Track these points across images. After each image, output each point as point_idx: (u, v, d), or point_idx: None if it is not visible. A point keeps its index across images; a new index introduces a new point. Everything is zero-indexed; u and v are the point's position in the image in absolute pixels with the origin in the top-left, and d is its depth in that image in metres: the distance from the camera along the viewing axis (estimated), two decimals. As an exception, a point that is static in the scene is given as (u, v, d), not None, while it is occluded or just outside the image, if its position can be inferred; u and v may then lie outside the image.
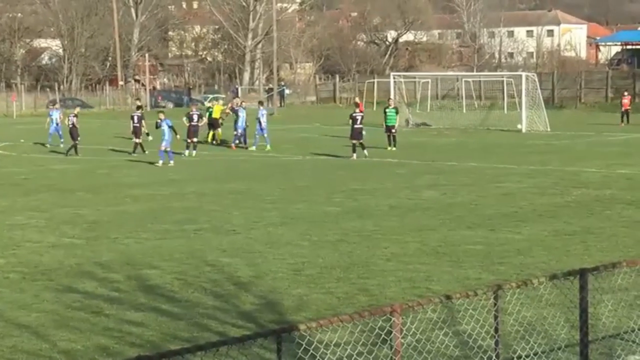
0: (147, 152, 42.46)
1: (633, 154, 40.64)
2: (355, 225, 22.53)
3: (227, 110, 49.56)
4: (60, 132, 49.09)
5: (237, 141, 46.85)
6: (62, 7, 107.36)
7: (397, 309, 8.33)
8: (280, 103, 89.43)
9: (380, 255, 18.89)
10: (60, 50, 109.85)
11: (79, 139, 44.14)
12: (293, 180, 32.33)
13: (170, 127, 38.63)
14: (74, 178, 34.59)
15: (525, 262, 18.13)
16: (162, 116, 39.72)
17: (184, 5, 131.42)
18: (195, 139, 43.11)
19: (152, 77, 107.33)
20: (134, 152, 43.31)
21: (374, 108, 75.42)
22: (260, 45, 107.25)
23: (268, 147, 45.07)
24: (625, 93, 63.54)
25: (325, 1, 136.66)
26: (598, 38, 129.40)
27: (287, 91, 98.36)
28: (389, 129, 44.75)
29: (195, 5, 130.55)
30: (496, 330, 9.55)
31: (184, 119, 43.96)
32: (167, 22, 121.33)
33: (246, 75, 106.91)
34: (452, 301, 9.65)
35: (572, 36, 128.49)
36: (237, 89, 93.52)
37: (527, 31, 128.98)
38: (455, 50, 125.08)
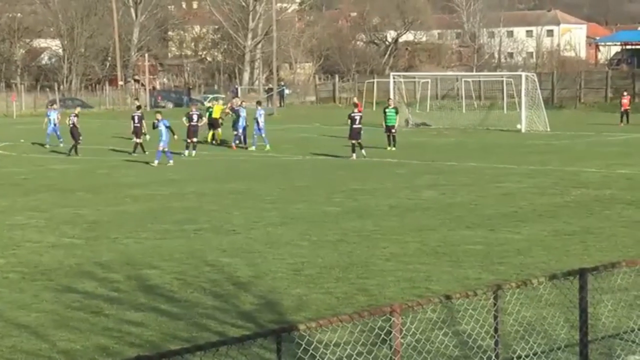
0: (147, 152, 42.44)
1: (633, 154, 40.64)
2: (354, 225, 22.53)
3: (227, 110, 49.57)
4: (59, 133, 49.07)
5: (237, 141, 46.87)
6: (61, 7, 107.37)
7: (397, 309, 8.33)
8: (280, 103, 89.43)
9: (379, 255, 18.89)
10: (60, 50, 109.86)
11: (80, 138, 44.16)
12: (293, 180, 32.34)
13: (168, 127, 38.62)
14: (73, 178, 34.59)
15: (525, 262, 18.13)
16: (159, 116, 39.72)
17: (184, 5, 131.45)
18: (195, 139, 43.12)
19: (151, 77, 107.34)
20: (134, 152, 43.34)
21: (374, 108, 75.44)
22: (259, 45, 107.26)
23: (267, 147, 45.09)
24: (625, 93, 63.56)
25: (324, 1, 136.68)
26: (598, 38, 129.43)
27: (286, 91, 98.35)
28: (388, 129, 44.76)
29: (194, 5, 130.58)
30: (496, 330, 9.55)
31: (184, 119, 43.97)
32: (166, 22, 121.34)
33: (246, 75, 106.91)
34: (451, 301, 9.65)
35: (572, 36, 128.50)
36: (236, 89, 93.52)
37: (527, 31, 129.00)
38: (454, 50, 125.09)
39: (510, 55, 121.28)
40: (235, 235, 21.56)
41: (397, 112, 45.65)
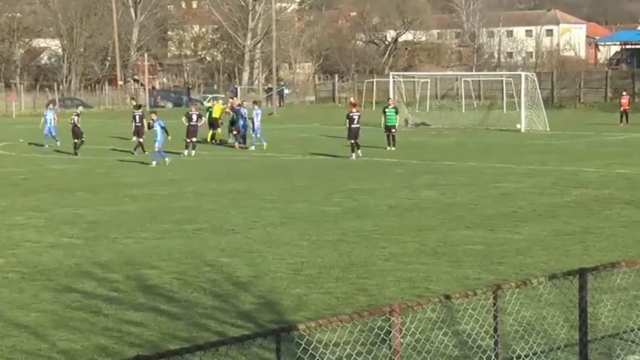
0: (147, 152, 42.42)
1: (632, 153, 40.65)
2: (354, 225, 22.53)
3: (227, 110, 49.57)
4: (54, 133, 49.03)
5: (239, 141, 46.91)
6: (61, 7, 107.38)
7: (396, 308, 8.32)
8: (280, 103, 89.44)
9: (379, 255, 18.89)
10: (60, 50, 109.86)
11: (83, 137, 44.17)
12: (292, 180, 32.33)
13: (163, 127, 38.58)
14: (73, 178, 34.58)
15: (525, 262, 18.13)
16: (154, 116, 39.76)
17: (183, 5, 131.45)
18: (194, 139, 43.11)
19: (151, 76, 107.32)
20: (135, 150, 43.41)
21: (373, 108, 75.48)
22: (259, 45, 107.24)
23: (265, 146, 45.17)
24: (624, 93, 63.58)
25: (324, 1, 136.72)
26: (597, 38, 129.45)
27: (286, 91, 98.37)
28: (388, 128, 44.75)
29: (194, 5, 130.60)
30: (495, 330, 9.55)
31: (183, 118, 43.96)
32: (166, 21, 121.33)
33: (245, 75, 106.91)
34: (451, 301, 9.65)
35: (571, 36, 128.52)
36: (236, 88, 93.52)
37: (526, 31, 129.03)
38: (454, 50, 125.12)
39: (510, 55, 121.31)
40: (234, 235, 21.56)
41: (397, 112, 45.65)
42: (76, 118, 44.74)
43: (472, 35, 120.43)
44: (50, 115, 49.92)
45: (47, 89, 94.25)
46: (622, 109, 61.02)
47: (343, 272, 17.35)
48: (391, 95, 56.66)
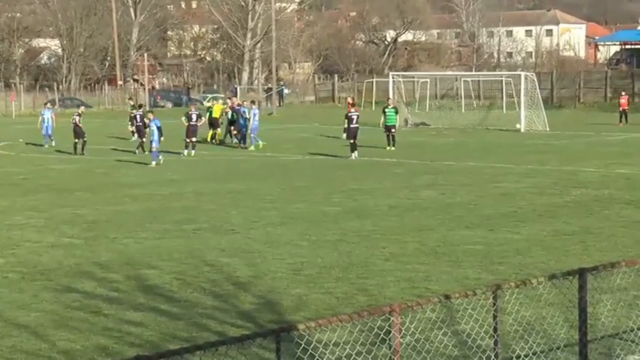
0: (147, 152, 42.43)
1: (632, 153, 40.65)
2: (354, 225, 22.53)
3: (227, 109, 49.57)
4: (50, 132, 49.02)
5: (240, 140, 46.94)
6: (61, 6, 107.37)
7: (396, 308, 8.33)
8: (279, 103, 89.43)
9: (379, 255, 18.89)
10: (59, 50, 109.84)
11: (85, 137, 44.19)
12: (292, 180, 32.33)
13: (159, 127, 38.56)
14: (72, 178, 34.58)
15: (524, 262, 18.13)
16: (151, 116, 39.80)
17: (183, 5, 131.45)
18: (194, 139, 43.10)
19: (151, 76, 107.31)
20: (137, 150, 43.45)
21: (373, 108, 75.48)
22: (259, 45, 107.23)
23: (260, 144, 45.22)
24: (623, 93, 63.56)
25: (324, 1, 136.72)
26: (597, 38, 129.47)
27: (286, 91, 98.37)
28: (388, 128, 44.75)
29: (194, 5, 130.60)
30: (495, 329, 9.56)
31: (183, 118, 43.94)
32: (166, 21, 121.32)
33: (245, 75, 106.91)
34: (451, 301, 9.65)
35: (571, 36, 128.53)
36: (235, 88, 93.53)
37: (526, 31, 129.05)
38: (454, 49, 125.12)
39: (510, 54, 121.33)
40: (234, 235, 21.56)
41: (396, 112, 45.66)
42: (77, 118, 44.73)
43: (472, 35, 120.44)
44: (48, 114, 49.90)
45: (46, 89, 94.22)
46: (621, 109, 61.05)
47: (343, 272, 17.36)
48: (391, 95, 56.67)
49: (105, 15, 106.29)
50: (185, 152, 42.62)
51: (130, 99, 62.41)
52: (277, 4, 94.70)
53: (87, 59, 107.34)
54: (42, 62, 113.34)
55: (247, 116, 46.85)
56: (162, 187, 30.77)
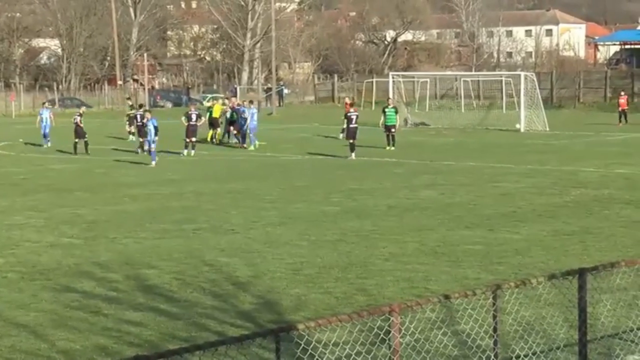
0: (146, 152, 42.43)
1: (631, 153, 40.65)
2: (353, 225, 22.53)
3: (227, 109, 49.56)
4: (47, 132, 49.00)
5: (239, 140, 46.94)
6: (60, 6, 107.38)
7: (396, 308, 8.32)
8: (279, 103, 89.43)
9: (378, 255, 18.89)
10: (59, 50, 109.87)
11: (86, 137, 44.21)
12: (292, 180, 32.33)
13: (155, 127, 38.55)
14: (72, 178, 34.58)
15: (524, 262, 18.13)
16: (148, 115, 39.79)
17: (183, 5, 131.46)
18: (194, 139, 43.08)
19: (150, 76, 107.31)
20: (139, 149, 43.49)
21: (373, 108, 75.49)
22: (258, 45, 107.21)
23: (256, 144, 45.23)
24: (622, 93, 63.55)
25: (323, 1, 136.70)
26: (596, 38, 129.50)
27: (285, 91, 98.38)
28: (388, 128, 44.74)
29: (194, 5, 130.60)
30: (495, 329, 9.55)
31: (183, 118, 43.92)
32: (165, 21, 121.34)
33: (245, 75, 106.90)
34: (450, 301, 9.65)
35: (571, 36, 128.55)
36: (235, 88, 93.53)
37: (526, 31, 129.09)
38: (453, 49, 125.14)
39: (509, 54, 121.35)
40: (234, 234, 21.56)
41: (396, 112, 45.63)
42: (79, 118, 44.75)
43: (472, 35, 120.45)
44: (46, 114, 49.88)
45: (46, 89, 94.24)
46: (620, 109, 61.05)
47: (342, 272, 17.35)
48: (391, 95, 56.66)
49: (105, 15, 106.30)
50: (185, 152, 42.61)
51: (128, 98, 62.36)
52: (277, 4, 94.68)
53: (87, 59, 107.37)
54: (42, 62, 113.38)
55: (245, 116, 46.85)
56: (161, 187, 30.77)
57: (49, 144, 47.89)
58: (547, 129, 55.56)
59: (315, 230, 21.84)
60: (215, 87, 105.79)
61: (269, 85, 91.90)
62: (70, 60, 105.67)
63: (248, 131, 46.36)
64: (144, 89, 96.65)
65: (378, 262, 18.26)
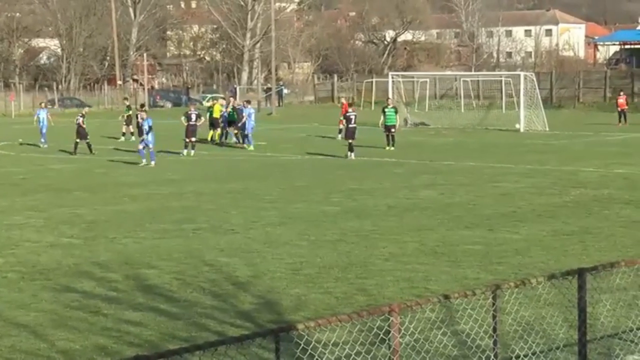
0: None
1: (631, 153, 40.65)
2: (353, 225, 22.53)
3: (228, 109, 49.55)
4: (44, 132, 48.96)
5: (239, 140, 46.93)
6: (60, 6, 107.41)
7: (396, 308, 8.33)
8: (279, 103, 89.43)
9: (378, 255, 18.89)
10: (59, 50, 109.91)
11: (88, 137, 44.23)
12: (291, 180, 32.33)
13: (150, 127, 38.55)
14: (71, 178, 34.58)
15: (524, 262, 18.13)
16: (144, 115, 39.80)
17: (182, 5, 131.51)
18: (193, 139, 43.08)
19: (150, 76, 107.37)
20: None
21: (372, 108, 75.48)
22: (258, 45, 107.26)
23: (251, 146, 45.19)
24: (621, 93, 63.53)
25: (323, 1, 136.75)
26: (596, 37, 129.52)
27: (285, 91, 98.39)
28: (388, 128, 44.73)
29: (193, 5, 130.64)
30: (494, 329, 9.55)
31: (182, 118, 43.91)
32: (165, 21, 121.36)
33: (244, 75, 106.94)
34: (450, 301, 9.65)
35: (571, 36, 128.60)
36: (235, 88, 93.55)
37: (526, 31, 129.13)
38: (453, 49, 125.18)
39: (509, 54, 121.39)
40: (234, 234, 21.56)
41: (396, 112, 45.60)
42: (81, 119, 44.75)
43: (471, 35, 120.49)
44: (43, 114, 49.84)
45: (46, 89, 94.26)
46: (619, 109, 61.03)
47: (342, 272, 17.36)
48: (390, 95, 56.66)
49: (105, 15, 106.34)
50: (185, 152, 42.61)
51: (125, 99, 62.39)
52: (277, 4, 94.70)
53: (87, 59, 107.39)
54: (42, 62, 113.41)
55: (243, 115, 46.83)
56: (161, 187, 30.77)
57: (46, 146, 47.83)
58: (547, 129, 55.56)
59: (315, 230, 21.84)
60: (214, 87, 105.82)
61: (269, 85, 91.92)
62: (70, 60, 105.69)
63: (246, 131, 46.31)
64: (144, 89, 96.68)
65: (378, 262, 18.27)
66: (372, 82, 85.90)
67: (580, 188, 28.93)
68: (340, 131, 48.20)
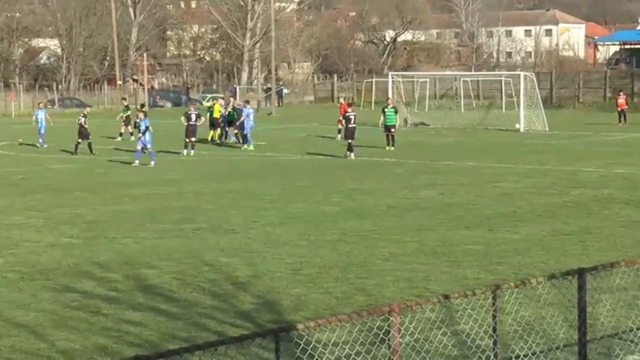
0: (146, 152, 42.38)
1: (631, 153, 40.65)
2: (353, 225, 22.53)
3: (228, 109, 49.56)
4: (42, 132, 48.96)
5: (241, 140, 46.94)
6: (60, 6, 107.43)
7: (396, 308, 8.33)
8: (279, 103, 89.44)
9: (378, 255, 18.89)
10: (59, 50, 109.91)
11: (90, 138, 44.25)
12: (291, 180, 32.33)
13: (147, 127, 38.54)
14: (71, 178, 34.58)
15: (524, 262, 18.13)
16: (141, 115, 39.83)
17: (182, 5, 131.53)
18: (193, 139, 43.07)
19: (150, 76, 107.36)
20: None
21: (372, 108, 75.48)
22: (258, 45, 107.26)
23: (247, 147, 45.17)
24: (621, 93, 63.52)
25: (323, 1, 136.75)
26: (596, 37, 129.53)
27: (285, 91, 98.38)
28: (388, 128, 44.72)
29: (193, 5, 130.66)
30: (494, 329, 9.55)
31: (182, 118, 43.91)
32: (165, 21, 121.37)
33: (244, 75, 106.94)
34: (450, 301, 9.65)
35: (571, 36, 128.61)
36: (235, 88, 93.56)
37: (526, 31, 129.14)
38: (453, 49, 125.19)
39: (509, 54, 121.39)
40: (233, 234, 21.56)
41: (396, 112, 45.58)
42: (83, 119, 44.76)
43: (471, 35, 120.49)
44: (41, 115, 49.82)
45: (46, 89, 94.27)
46: (619, 109, 61.02)
47: (342, 272, 17.36)
48: (390, 95, 56.66)
49: (105, 15, 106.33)
50: (185, 151, 42.61)
51: (124, 99, 62.42)
52: (277, 4, 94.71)
53: (87, 59, 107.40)
54: (42, 62, 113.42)
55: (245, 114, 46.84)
56: (161, 187, 30.77)
57: (45, 145, 47.83)
58: (547, 129, 55.56)
59: (315, 230, 21.84)
60: (214, 87, 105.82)
61: (269, 85, 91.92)
62: (70, 60, 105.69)
63: (245, 131, 46.29)
64: (144, 89, 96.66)
65: (378, 262, 18.27)
66: (372, 82, 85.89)
67: (580, 188, 28.93)
68: (339, 131, 48.21)
